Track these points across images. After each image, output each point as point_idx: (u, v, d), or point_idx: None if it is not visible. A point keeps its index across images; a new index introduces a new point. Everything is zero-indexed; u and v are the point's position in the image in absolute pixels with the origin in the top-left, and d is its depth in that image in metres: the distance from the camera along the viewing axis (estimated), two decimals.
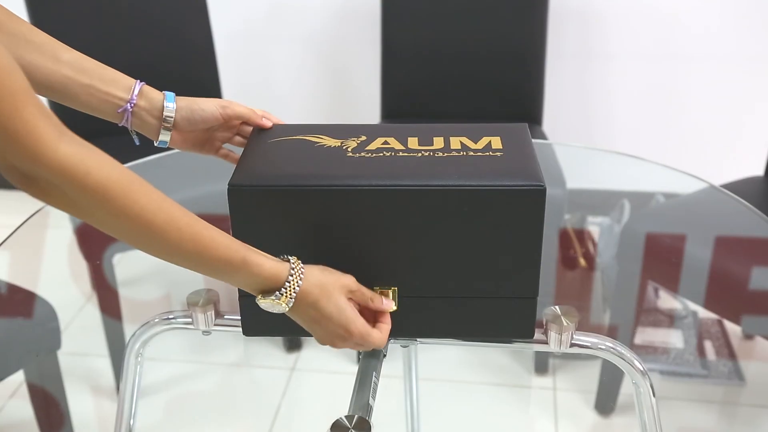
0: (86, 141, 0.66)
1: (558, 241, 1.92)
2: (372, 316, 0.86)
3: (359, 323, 0.81)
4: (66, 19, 1.84)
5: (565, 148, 1.91)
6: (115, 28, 1.90)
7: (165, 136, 0.89)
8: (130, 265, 1.95)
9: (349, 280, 0.82)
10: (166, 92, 0.89)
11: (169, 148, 0.92)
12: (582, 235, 2.01)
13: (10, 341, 1.39)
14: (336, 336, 0.82)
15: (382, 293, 0.85)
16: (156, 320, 0.96)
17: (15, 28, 0.81)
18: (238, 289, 0.84)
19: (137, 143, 0.92)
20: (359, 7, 2.30)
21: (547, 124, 2.16)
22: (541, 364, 1.86)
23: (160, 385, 1.82)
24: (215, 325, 0.94)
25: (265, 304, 0.78)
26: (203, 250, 0.73)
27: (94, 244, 1.80)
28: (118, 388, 1.77)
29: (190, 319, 0.94)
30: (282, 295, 0.78)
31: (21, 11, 1.80)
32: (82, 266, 1.98)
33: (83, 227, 1.66)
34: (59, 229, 1.74)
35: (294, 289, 0.78)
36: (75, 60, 0.84)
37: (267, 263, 0.77)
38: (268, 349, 1.96)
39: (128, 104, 0.86)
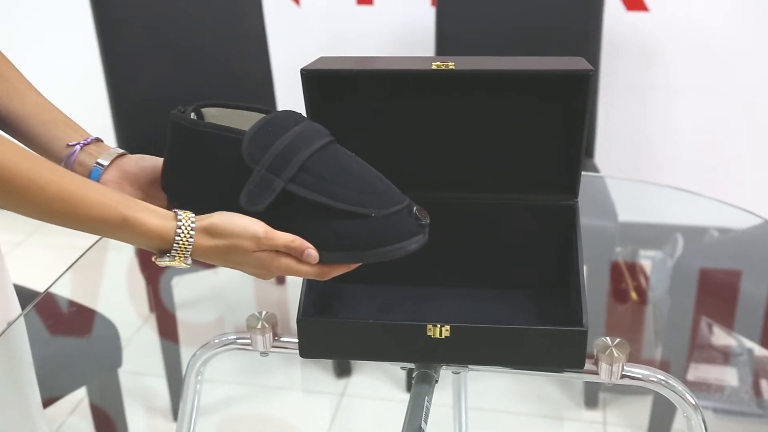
0: None
1: (609, 274, 1.92)
2: None
3: (276, 264, 0.76)
4: (133, 52, 1.91)
5: (618, 182, 1.92)
6: (178, 60, 1.97)
7: (104, 161, 0.82)
8: (187, 288, 2.00)
9: (255, 228, 0.74)
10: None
11: None
12: (634, 268, 2.00)
13: (74, 358, 1.44)
14: (258, 275, 0.78)
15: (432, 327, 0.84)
16: (216, 341, 1.00)
17: None
18: (297, 311, 0.87)
19: None
20: (415, 40, 2.34)
21: (599, 156, 2.17)
22: (591, 398, 1.85)
23: (211, 406, 1.86)
24: (273, 346, 0.97)
25: (162, 263, 0.73)
26: (74, 210, 0.68)
27: (154, 266, 1.86)
28: (172, 408, 1.82)
29: (248, 341, 0.98)
30: (175, 255, 0.73)
31: (92, 44, 1.88)
32: (140, 288, 2.04)
33: (142, 250, 1.71)
34: (119, 251, 1.80)
35: (185, 247, 0.72)
36: (42, 103, 0.85)
37: (150, 221, 0.71)
38: (319, 374, 1.98)
39: (83, 141, 0.83)
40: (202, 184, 0.78)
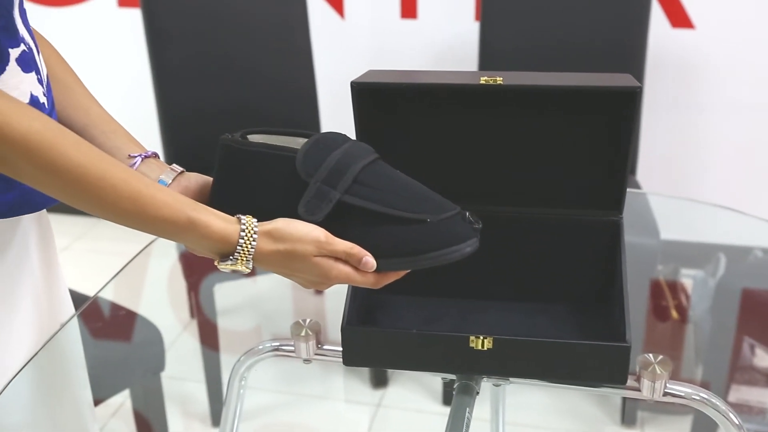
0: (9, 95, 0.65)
1: (650, 292, 1.90)
2: None
3: (335, 272, 0.76)
4: (181, 65, 1.95)
5: (660, 199, 1.90)
6: (225, 73, 2.00)
7: (167, 177, 0.85)
8: (227, 295, 2.03)
9: (317, 234, 0.75)
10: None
11: None
12: (675, 286, 1.99)
13: (118, 362, 1.47)
14: (315, 284, 0.78)
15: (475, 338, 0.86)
16: (260, 347, 1.02)
17: (60, 75, 0.87)
18: (341, 319, 0.88)
19: None
20: (458, 54, 2.36)
21: (642, 173, 2.15)
22: (630, 416, 1.83)
23: (248, 413, 1.87)
24: (316, 354, 0.99)
25: (225, 268, 0.74)
26: (142, 209, 0.69)
27: (197, 273, 1.89)
28: (211, 413, 1.84)
29: (292, 348, 0.99)
30: (237, 259, 0.73)
31: (143, 57, 1.92)
32: (181, 294, 2.07)
33: (186, 255, 1.74)
34: (161, 258, 1.83)
35: (248, 251, 0.73)
36: (104, 114, 0.88)
37: (215, 224, 0.72)
38: (355, 384, 1.99)
39: (143, 154, 0.85)
40: (252, 202, 0.80)
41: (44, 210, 0.88)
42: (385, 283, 0.80)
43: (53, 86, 0.86)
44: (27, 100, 0.75)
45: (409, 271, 0.81)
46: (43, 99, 0.79)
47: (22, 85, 0.75)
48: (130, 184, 0.69)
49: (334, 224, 0.78)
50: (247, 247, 0.73)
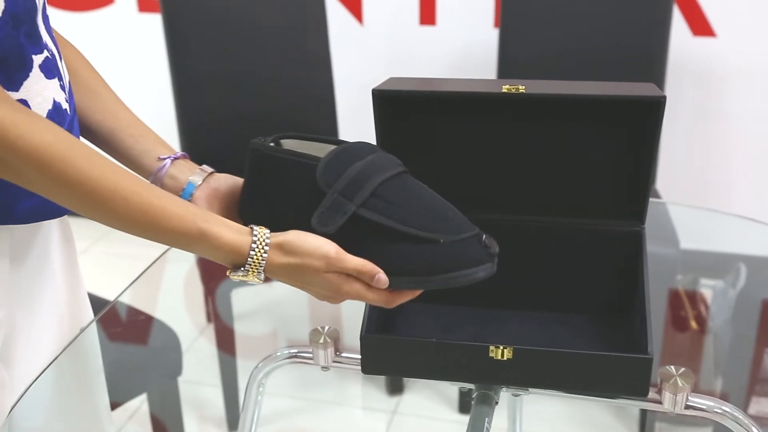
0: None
1: (668, 301, 1.89)
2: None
3: (346, 288, 0.76)
4: (201, 71, 1.96)
5: (680, 208, 1.89)
6: (244, 80, 2.00)
7: (197, 178, 0.85)
8: (244, 301, 2.03)
9: (327, 249, 0.75)
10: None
11: None
12: (694, 297, 1.97)
13: (135, 366, 1.47)
14: (327, 297, 0.78)
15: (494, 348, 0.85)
16: (279, 353, 1.01)
17: (87, 80, 0.88)
18: (360, 326, 0.88)
19: None
20: (477, 61, 2.35)
21: (661, 182, 2.14)
22: (648, 427, 1.82)
23: (264, 418, 1.87)
24: (334, 361, 0.98)
25: (236, 278, 0.75)
26: (154, 221, 0.70)
27: (214, 278, 1.89)
28: (227, 418, 1.84)
29: (311, 355, 0.99)
30: (248, 270, 0.74)
31: (163, 59, 1.93)
32: (197, 299, 2.07)
33: (203, 260, 1.74)
34: (178, 262, 1.83)
35: (259, 262, 0.74)
36: (132, 118, 0.88)
37: (226, 235, 0.73)
38: (371, 391, 1.99)
39: (173, 156, 0.86)
40: (277, 208, 0.80)
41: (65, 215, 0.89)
42: (398, 302, 0.79)
43: (81, 91, 0.87)
44: (50, 107, 0.76)
45: (422, 291, 0.80)
46: (65, 105, 0.79)
47: (45, 91, 0.75)
48: (141, 196, 0.70)
49: (348, 237, 0.77)
50: (257, 258, 0.73)
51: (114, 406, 1.38)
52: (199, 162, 0.88)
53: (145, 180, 0.73)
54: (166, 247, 1.41)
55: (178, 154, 0.87)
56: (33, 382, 0.87)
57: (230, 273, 0.75)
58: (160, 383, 1.49)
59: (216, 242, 0.72)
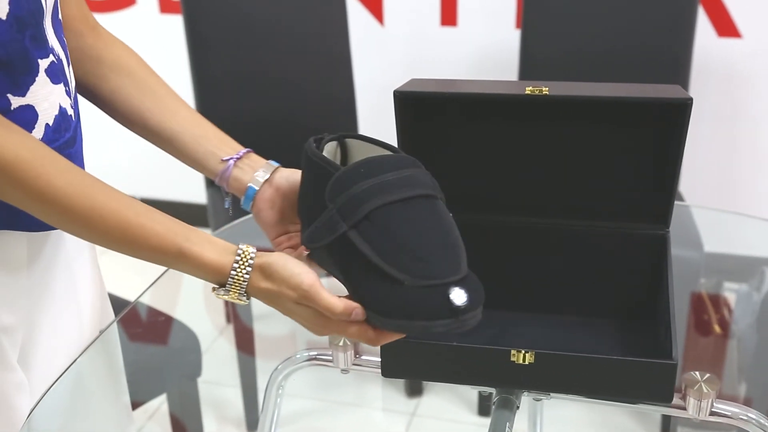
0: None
1: (691, 305, 1.87)
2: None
3: (322, 322, 0.70)
4: (223, 70, 1.96)
5: (704, 211, 1.86)
6: (264, 81, 2.00)
7: (259, 179, 0.83)
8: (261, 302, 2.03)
9: (301, 279, 0.69)
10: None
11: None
12: (717, 300, 1.94)
13: (155, 366, 1.48)
14: (311, 329, 0.72)
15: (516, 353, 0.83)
16: (298, 356, 1.01)
17: (145, 80, 0.87)
18: None
19: (227, 206, 0.89)
20: (498, 61, 2.34)
21: (685, 185, 2.12)
22: None
23: (283, 419, 1.87)
24: (354, 364, 0.98)
25: (219, 297, 0.71)
26: (132, 239, 0.68)
27: None
28: (246, 419, 1.85)
29: (330, 357, 0.99)
30: (229, 290, 0.70)
31: (184, 60, 1.94)
32: (217, 300, 2.07)
33: None
34: None
35: (240, 284, 0.70)
36: (192, 117, 0.87)
37: (207, 255, 0.69)
38: (390, 393, 1.98)
39: (236, 155, 0.84)
40: (310, 213, 0.77)
41: None
42: (385, 341, 0.72)
43: (138, 91, 0.86)
44: (56, 112, 0.75)
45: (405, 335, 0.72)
46: (70, 111, 0.78)
47: (51, 96, 0.74)
48: (119, 213, 0.68)
49: (339, 257, 0.72)
50: (239, 279, 0.70)
51: (134, 406, 1.39)
52: None
53: (125, 195, 0.70)
54: None
55: (242, 153, 0.85)
56: (52, 384, 0.87)
57: (214, 291, 0.72)
58: (179, 384, 1.50)
59: (195, 262, 0.70)
